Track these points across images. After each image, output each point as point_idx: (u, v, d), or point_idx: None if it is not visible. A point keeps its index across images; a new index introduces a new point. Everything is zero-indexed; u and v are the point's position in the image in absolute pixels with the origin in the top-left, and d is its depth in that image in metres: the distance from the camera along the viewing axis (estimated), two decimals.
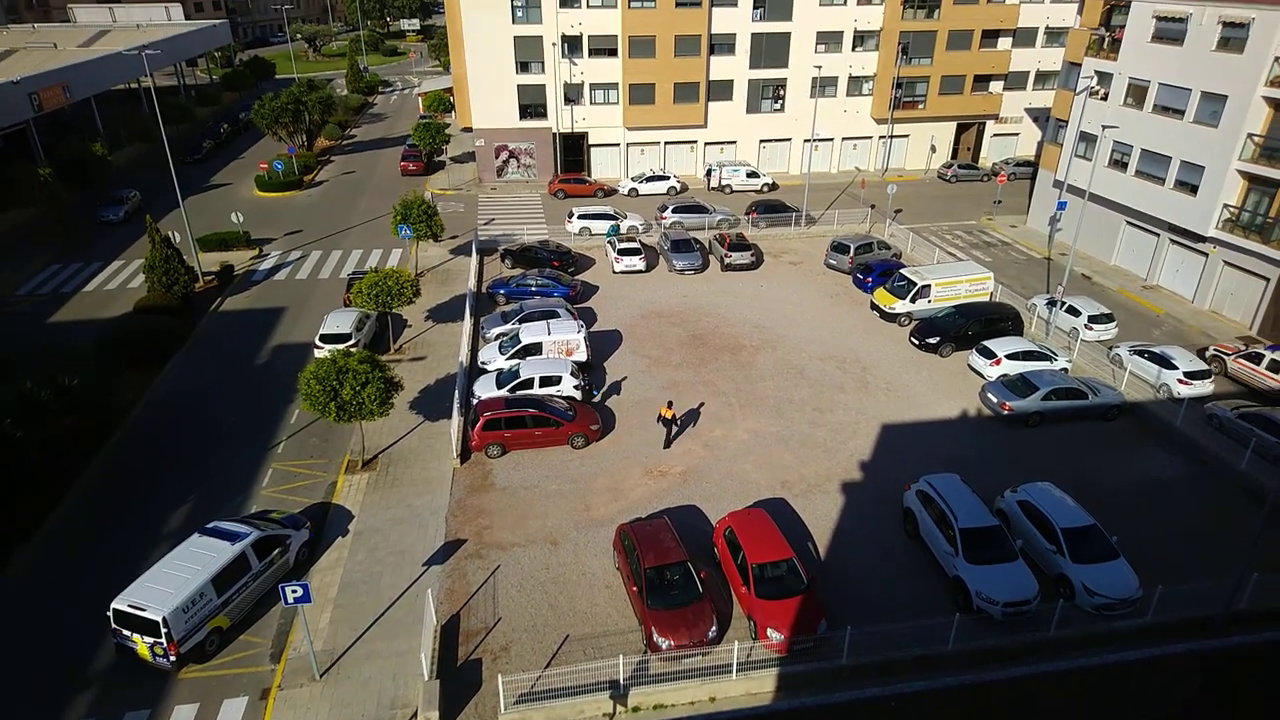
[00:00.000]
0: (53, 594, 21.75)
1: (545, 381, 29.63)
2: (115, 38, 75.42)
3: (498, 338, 33.81)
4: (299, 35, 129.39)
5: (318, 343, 32.36)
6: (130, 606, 18.73)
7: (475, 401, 29.15)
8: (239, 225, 44.87)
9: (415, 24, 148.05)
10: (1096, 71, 43.13)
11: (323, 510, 24.91)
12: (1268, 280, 36.09)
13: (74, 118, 63.28)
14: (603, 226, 46.95)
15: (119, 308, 37.86)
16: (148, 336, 32.79)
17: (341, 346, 30.76)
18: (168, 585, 19.23)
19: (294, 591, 17.54)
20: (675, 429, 28.83)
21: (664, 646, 19.30)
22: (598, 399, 30.91)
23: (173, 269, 36.71)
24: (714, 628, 19.76)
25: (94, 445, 27.46)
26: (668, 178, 56.58)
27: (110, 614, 18.95)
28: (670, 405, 28.01)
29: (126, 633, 18.86)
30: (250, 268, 43.32)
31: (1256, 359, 32.07)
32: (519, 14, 53.70)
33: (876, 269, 40.46)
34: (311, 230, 49.20)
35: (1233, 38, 35.99)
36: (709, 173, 58.23)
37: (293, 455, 27.71)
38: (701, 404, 30.88)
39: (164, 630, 18.46)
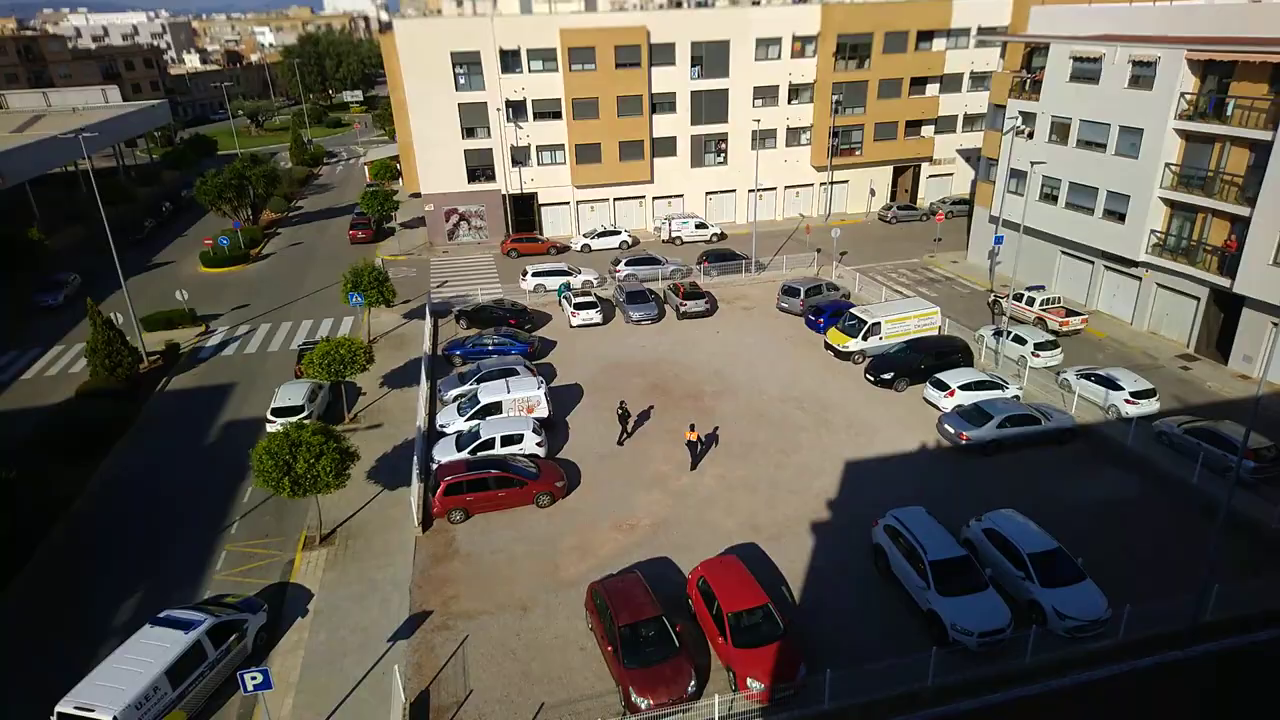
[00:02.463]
0: None
1: (507, 441, 29.26)
2: (51, 122, 74.51)
3: (456, 399, 33.41)
4: (240, 111, 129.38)
5: (269, 417, 31.58)
6: (77, 709, 17.64)
7: (435, 466, 28.56)
8: (183, 302, 44.07)
9: (358, 95, 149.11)
10: (1021, 112, 45.19)
11: (280, 591, 23.98)
12: (1198, 299, 37.63)
13: (8, 203, 61.97)
14: (557, 283, 47.18)
15: (61, 393, 36.63)
16: (88, 422, 31.66)
17: (294, 419, 30.05)
18: (118, 682, 18.20)
19: (253, 678, 16.73)
20: (700, 450, 29.84)
21: (643, 706, 18.81)
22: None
23: (115, 351, 35.78)
24: (693, 682, 19.35)
25: (35, 538, 26.15)
26: (619, 232, 57.27)
27: (55, 718, 17.80)
28: (693, 428, 29.30)
29: None
30: (196, 345, 42.38)
31: (1019, 298, 41.41)
32: (462, 81, 54.54)
33: (827, 310, 41.22)
34: (260, 303, 48.48)
35: (1142, 75, 38.14)
36: (659, 227, 59.23)
37: (246, 535, 26.77)
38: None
39: None
